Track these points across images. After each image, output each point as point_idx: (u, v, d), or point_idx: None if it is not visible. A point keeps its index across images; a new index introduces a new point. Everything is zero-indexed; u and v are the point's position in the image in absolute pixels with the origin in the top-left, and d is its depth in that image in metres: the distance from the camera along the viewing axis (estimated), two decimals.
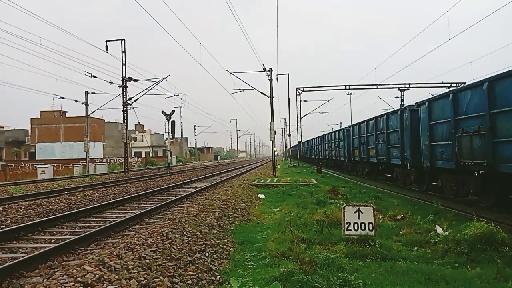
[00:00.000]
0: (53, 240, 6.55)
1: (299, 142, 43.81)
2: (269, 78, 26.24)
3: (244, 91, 28.42)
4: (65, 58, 71.22)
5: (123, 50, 29.03)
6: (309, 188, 14.93)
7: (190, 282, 4.48)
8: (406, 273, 4.83)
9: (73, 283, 3.69)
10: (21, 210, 9.51)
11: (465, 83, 27.88)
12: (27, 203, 10.48)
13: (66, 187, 17.11)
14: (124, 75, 29.14)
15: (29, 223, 7.52)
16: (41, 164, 36.78)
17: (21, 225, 7.28)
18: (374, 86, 40.90)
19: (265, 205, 11.74)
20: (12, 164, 47.15)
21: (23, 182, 22.11)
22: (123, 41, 29.11)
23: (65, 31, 47.75)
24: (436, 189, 12.81)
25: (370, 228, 6.22)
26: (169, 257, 4.97)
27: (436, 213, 8.51)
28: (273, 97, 26.31)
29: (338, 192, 13.43)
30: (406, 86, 41.16)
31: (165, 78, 30.67)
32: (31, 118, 59.54)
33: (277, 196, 13.56)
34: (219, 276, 4.98)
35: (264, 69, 25.14)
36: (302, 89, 42.11)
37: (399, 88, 41.16)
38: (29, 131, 60.99)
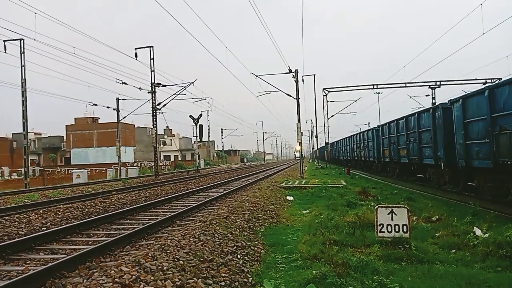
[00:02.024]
0: (90, 242, 6.78)
1: (326, 143, 43.31)
2: (295, 79, 26.15)
3: (270, 93, 28.47)
4: (96, 66, 73.86)
5: (152, 56, 29.76)
6: (338, 189, 14.72)
7: (223, 283, 4.51)
8: (445, 277, 4.67)
9: (111, 284, 3.80)
10: (60, 213, 9.92)
11: (501, 78, 26.71)
12: (64, 206, 10.92)
13: (100, 190, 17.69)
14: (153, 81, 29.86)
15: (68, 225, 7.83)
16: (76, 169, 38.26)
17: (60, 227, 7.59)
18: (403, 85, 39.84)
19: (294, 207, 11.67)
20: (49, 169, 49.28)
21: (60, 186, 23.05)
22: (151, 48, 29.85)
23: (97, 40, 49.58)
24: (473, 189, 12.31)
25: (405, 230, 6.05)
26: (202, 259, 5.03)
27: (474, 215, 8.18)
28: (299, 98, 26.20)
29: (368, 193, 13.17)
30: (437, 83, 39.88)
31: (192, 82, 31.19)
32: (66, 125, 62.13)
33: (306, 198, 13.45)
34: (251, 278, 4.99)
35: (290, 71, 25.08)
36: (328, 89, 41.64)
37: (429, 86, 39.86)
38: (64, 137, 63.60)
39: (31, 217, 9.20)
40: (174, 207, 11.05)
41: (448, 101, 13.18)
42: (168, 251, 5.04)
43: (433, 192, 13.95)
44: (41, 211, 9.85)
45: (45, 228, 8.02)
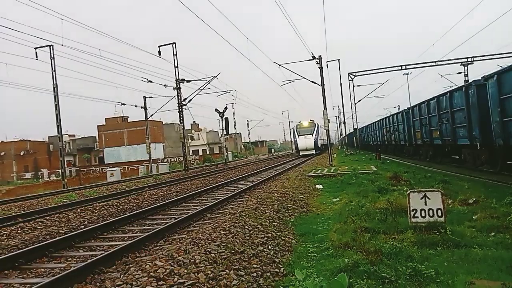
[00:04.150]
0: (126, 238, 7.02)
1: (355, 129, 42.51)
2: (319, 66, 25.69)
3: (294, 81, 28.23)
4: (122, 66, 75.75)
5: (175, 53, 30.13)
6: (369, 175, 14.44)
7: (254, 274, 4.54)
8: (484, 261, 4.50)
9: (146, 278, 3.92)
10: (96, 211, 10.32)
11: None
12: (100, 204, 11.34)
13: (133, 187, 18.24)
14: (177, 77, 30.27)
15: (104, 222, 8.14)
16: (109, 168, 39.65)
17: (97, 225, 7.90)
18: (434, 64, 38.30)
19: (323, 196, 11.57)
20: (85, 169, 51.35)
21: (95, 185, 23.96)
22: (174, 45, 30.20)
23: (121, 41, 50.71)
24: None
25: (439, 214, 5.85)
26: (233, 251, 5.09)
27: None
28: (324, 85, 25.76)
29: (400, 178, 12.83)
30: (470, 59, 38.07)
31: (216, 76, 31.36)
32: (97, 126, 64.30)
33: (335, 185, 13.31)
34: (282, 268, 5.00)
35: (313, 57, 24.68)
36: (354, 74, 40.71)
37: (461, 63, 38.10)
38: (97, 138, 65.90)
39: (70, 216, 9.63)
40: (204, 201, 11.23)
41: (481, 77, 12.57)
42: (200, 244, 5.13)
43: (469, 174, 13.41)
44: (78, 210, 10.29)
45: (83, 226, 8.38)
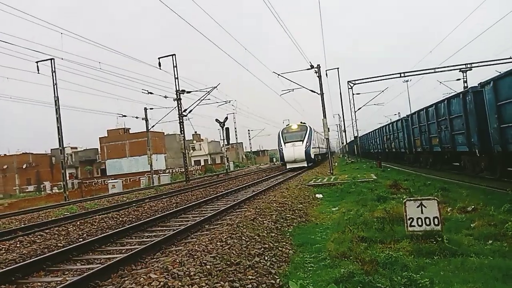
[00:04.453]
0: (123, 250, 7.02)
1: (355, 137, 42.52)
2: (317, 74, 25.84)
3: (293, 91, 28.32)
4: (122, 78, 76.38)
5: (175, 64, 30.36)
6: (368, 184, 14.42)
7: (250, 286, 4.54)
8: (480, 270, 4.48)
9: None
10: (95, 224, 10.32)
11: None
12: (100, 216, 11.35)
13: (134, 199, 18.24)
14: (177, 89, 30.45)
15: (102, 235, 8.13)
16: (111, 179, 39.64)
17: (95, 237, 7.90)
18: (432, 70, 38.47)
19: (323, 205, 11.54)
20: (87, 181, 51.36)
21: (96, 197, 23.97)
22: (174, 56, 30.46)
23: (121, 53, 51.17)
24: None
25: (436, 222, 5.85)
26: (228, 262, 5.09)
27: None
28: (323, 93, 25.86)
29: (400, 186, 12.79)
30: (468, 66, 38.23)
31: (216, 87, 31.56)
32: (99, 137, 64.54)
33: (335, 194, 13.28)
34: (278, 279, 4.99)
35: (312, 67, 24.81)
36: (353, 82, 40.88)
37: (460, 69, 38.25)
38: (99, 150, 66.09)
39: (69, 229, 9.64)
40: (203, 212, 11.22)
41: (478, 84, 12.62)
42: (196, 256, 5.13)
43: (469, 181, 13.37)
44: (78, 223, 10.29)
45: (81, 239, 8.37)
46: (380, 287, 4.07)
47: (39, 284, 5.40)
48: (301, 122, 32.34)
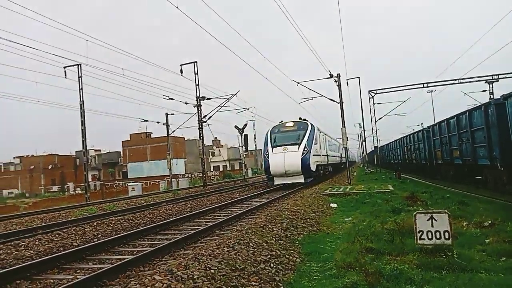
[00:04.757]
0: (135, 252, 7.18)
1: (375, 147, 41.89)
2: (337, 84, 25.74)
3: (312, 99, 28.22)
4: (144, 84, 78.27)
5: (196, 71, 30.91)
6: (384, 195, 14.18)
7: None
8: (487, 286, 4.37)
9: None
10: (111, 225, 10.59)
11: None
12: (116, 218, 11.63)
13: (151, 202, 18.57)
14: (197, 95, 30.94)
15: (116, 236, 8.35)
16: (132, 182, 40.48)
17: (109, 238, 8.12)
18: (457, 81, 37.62)
19: (337, 215, 11.44)
20: (108, 183, 52.57)
21: (116, 199, 24.52)
22: (195, 64, 31.02)
23: (143, 60, 52.51)
24: None
25: (446, 236, 5.73)
26: (233, 268, 5.14)
27: None
28: (342, 103, 25.71)
29: (417, 198, 12.51)
30: (495, 77, 37.19)
31: (235, 94, 31.88)
32: (122, 141, 66.14)
33: (350, 205, 13.13)
34: (282, 287, 5.01)
35: (331, 75, 24.73)
36: (374, 91, 40.44)
37: (486, 80, 37.27)
38: (121, 153, 67.63)
39: (86, 229, 9.92)
40: (216, 217, 11.32)
41: (500, 96, 12.30)
42: (201, 260, 5.21)
43: (490, 195, 12.96)
44: (95, 223, 10.58)
45: (96, 240, 8.62)
46: None
47: (51, 281, 5.61)
48: (300, 118, 22.82)
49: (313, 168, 20.88)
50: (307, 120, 22.71)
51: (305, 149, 20.39)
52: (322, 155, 24.26)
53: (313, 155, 20.99)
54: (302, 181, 20.23)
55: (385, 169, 42.10)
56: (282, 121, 22.95)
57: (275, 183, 20.89)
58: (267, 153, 21.12)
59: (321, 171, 24.64)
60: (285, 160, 20.09)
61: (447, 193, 14.20)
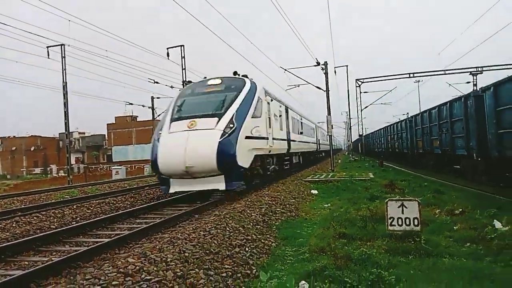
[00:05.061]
0: (112, 235, 7.21)
1: (360, 135, 42.40)
2: (324, 71, 25.82)
3: (299, 86, 28.26)
4: (129, 67, 76.97)
5: (183, 55, 30.51)
6: (364, 183, 14.48)
7: (224, 274, 4.68)
8: (449, 270, 4.57)
9: (115, 274, 4.09)
10: (91, 208, 10.56)
11: None
12: (97, 201, 11.59)
13: (134, 186, 18.52)
14: (184, 79, 30.61)
15: (95, 219, 8.36)
16: (116, 166, 40.15)
17: (87, 221, 8.13)
18: (442, 72, 38.17)
19: (316, 201, 11.65)
20: (92, 166, 52.02)
21: (99, 182, 24.34)
22: (182, 47, 30.62)
23: (129, 42, 51.51)
24: (510, 181, 11.66)
25: (416, 223, 5.94)
26: (207, 251, 5.24)
27: (499, 207, 7.80)
28: (329, 91, 25.85)
29: (395, 186, 12.83)
30: (479, 69, 37.83)
31: None
32: (107, 124, 65.20)
33: (330, 191, 13.37)
34: (255, 270, 5.13)
35: (318, 63, 24.77)
36: (361, 80, 40.75)
37: (470, 72, 37.91)
38: (106, 136, 66.79)
39: (65, 212, 9.87)
40: (197, 202, 11.37)
41: (479, 88, 12.56)
42: (176, 244, 5.29)
43: (466, 184, 13.36)
44: (74, 207, 10.53)
45: (74, 222, 8.61)
46: (347, 281, 4.19)
47: (26, 263, 5.62)
48: (235, 74, 13.96)
49: (243, 161, 11.11)
50: (248, 77, 13.38)
51: (231, 124, 10.87)
52: (275, 139, 14.87)
53: (247, 138, 11.40)
54: (222, 187, 10.79)
55: (370, 157, 42.72)
56: (205, 78, 13.89)
57: (171, 191, 11.11)
58: (159, 132, 11.48)
59: (271, 167, 15.27)
60: (187, 145, 10.41)
61: (425, 182, 14.60)
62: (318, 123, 36.83)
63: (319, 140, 34.39)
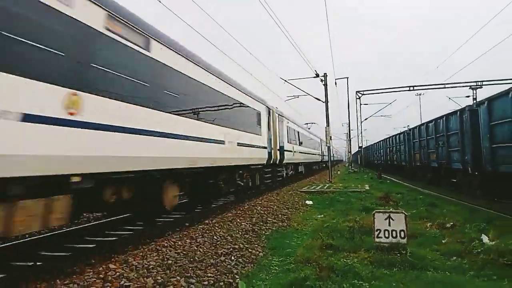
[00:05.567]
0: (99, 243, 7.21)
1: (360, 147, 42.42)
2: (323, 83, 25.97)
3: (298, 97, 28.44)
4: None
5: None
6: (360, 194, 14.46)
7: (206, 283, 4.68)
8: (431, 284, 4.56)
9: (95, 279, 4.11)
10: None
11: None
12: None
13: None
14: None
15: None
16: None
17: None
18: (442, 86, 38.32)
19: (310, 212, 11.62)
20: None
21: None
22: None
23: None
24: (506, 195, 11.64)
25: (402, 235, 5.95)
26: (191, 259, 5.25)
27: (488, 222, 7.80)
28: (328, 102, 25.97)
29: (390, 198, 12.82)
30: (479, 83, 37.99)
31: None
32: None
33: (325, 202, 13.34)
34: (238, 278, 5.12)
35: (317, 75, 24.92)
36: (361, 92, 40.93)
37: (470, 86, 38.06)
38: None
39: None
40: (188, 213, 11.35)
41: (474, 103, 12.65)
42: (161, 251, 5.30)
43: (461, 198, 13.33)
44: None
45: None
46: None
47: None
48: None
49: None
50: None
51: None
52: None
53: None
54: None
55: (369, 169, 42.67)
56: None
57: None
58: None
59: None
60: None
61: (421, 195, 14.57)
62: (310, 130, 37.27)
63: (323, 152, 35.49)
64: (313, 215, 10.86)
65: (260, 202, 11.07)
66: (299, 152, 22.78)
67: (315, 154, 31.06)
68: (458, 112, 13.90)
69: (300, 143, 23.73)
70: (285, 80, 27.04)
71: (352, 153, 61.95)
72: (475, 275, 4.89)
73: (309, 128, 25.75)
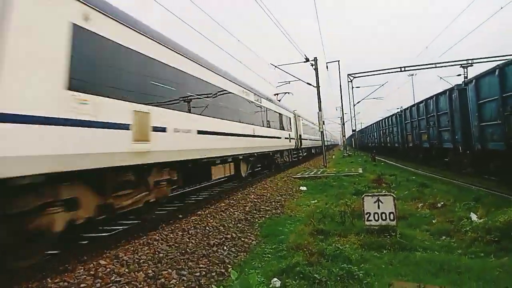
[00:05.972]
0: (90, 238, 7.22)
1: (353, 130, 42.52)
2: (313, 67, 25.85)
3: (289, 83, 28.32)
4: None
5: None
6: (353, 178, 14.55)
7: (198, 274, 4.72)
8: (418, 264, 4.64)
9: (85, 276, 4.13)
10: None
11: None
12: None
13: None
14: None
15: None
16: None
17: None
18: (433, 65, 38.30)
19: (304, 198, 11.68)
20: None
21: None
22: None
23: None
24: (494, 173, 11.77)
25: (391, 218, 6.02)
26: (183, 251, 5.28)
27: (477, 200, 7.90)
28: (319, 86, 25.89)
29: (382, 181, 12.92)
30: (470, 62, 38.02)
31: None
32: None
33: (318, 188, 13.41)
34: (231, 268, 5.16)
35: (307, 59, 24.77)
36: (353, 75, 40.80)
37: (461, 65, 38.08)
38: None
39: None
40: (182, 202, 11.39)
41: (462, 82, 12.67)
42: (152, 245, 5.32)
43: (453, 177, 13.47)
44: None
45: None
46: (316, 277, 4.24)
47: None
48: None
49: None
50: None
51: None
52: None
53: None
54: None
55: (364, 152, 42.86)
56: None
57: None
58: None
59: None
60: None
61: (412, 176, 14.70)
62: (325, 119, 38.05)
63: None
64: (306, 201, 10.91)
65: (253, 191, 11.11)
66: (309, 140, 31.57)
67: (318, 140, 35.78)
68: (448, 92, 13.93)
69: (309, 133, 32.23)
70: (276, 66, 26.90)
71: (347, 136, 62.17)
72: (463, 253, 4.99)
73: (279, 100, 27.11)
